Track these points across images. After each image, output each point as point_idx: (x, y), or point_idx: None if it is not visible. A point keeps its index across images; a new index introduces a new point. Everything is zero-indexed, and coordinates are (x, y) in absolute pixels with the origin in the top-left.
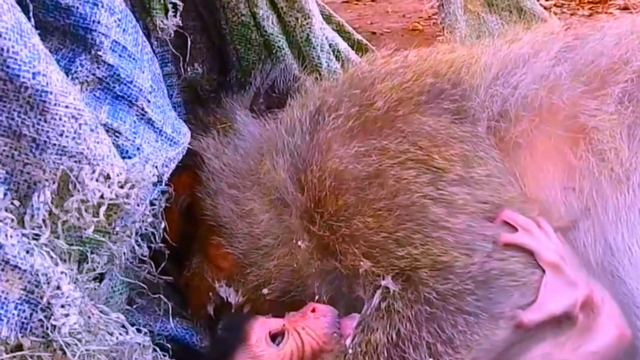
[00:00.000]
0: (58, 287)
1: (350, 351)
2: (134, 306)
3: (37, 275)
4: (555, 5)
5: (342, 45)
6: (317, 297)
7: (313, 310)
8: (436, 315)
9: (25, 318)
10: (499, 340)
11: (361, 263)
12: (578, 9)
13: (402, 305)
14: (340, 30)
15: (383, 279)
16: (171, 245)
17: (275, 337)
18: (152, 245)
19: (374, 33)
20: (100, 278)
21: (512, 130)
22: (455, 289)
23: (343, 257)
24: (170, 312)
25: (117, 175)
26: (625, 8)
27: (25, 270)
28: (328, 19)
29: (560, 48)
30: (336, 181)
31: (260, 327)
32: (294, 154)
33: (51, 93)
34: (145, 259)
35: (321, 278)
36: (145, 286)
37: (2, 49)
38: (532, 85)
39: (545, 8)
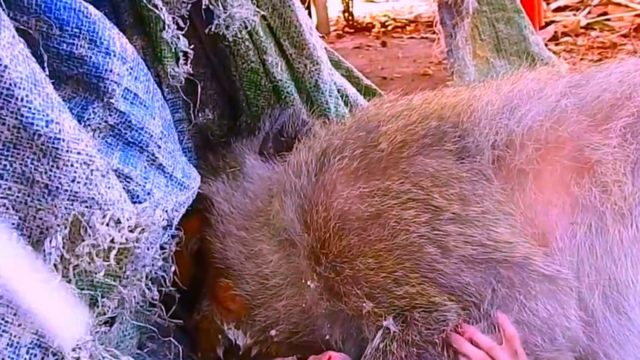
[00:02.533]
0: None
1: None
2: (145, 350)
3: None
4: (564, 50)
5: (351, 91)
6: (327, 338)
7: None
8: (422, 356)
9: None
10: None
11: (364, 304)
12: (587, 54)
13: (397, 346)
14: (349, 76)
15: (385, 320)
16: (181, 289)
17: None
18: (163, 289)
19: (384, 78)
20: (110, 322)
21: (517, 157)
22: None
23: (347, 299)
24: (181, 355)
25: (128, 220)
26: (635, 52)
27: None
28: (337, 64)
29: (566, 84)
30: (340, 222)
31: None
32: (301, 195)
33: (63, 140)
34: (155, 302)
35: (330, 319)
36: (155, 330)
37: (17, 98)
38: (537, 117)
39: (554, 52)
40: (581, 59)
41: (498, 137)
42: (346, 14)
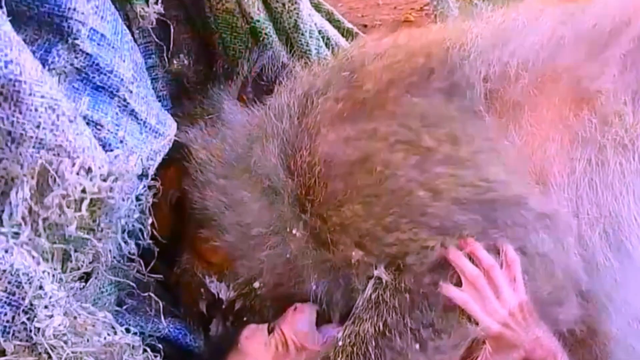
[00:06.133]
0: (40, 287)
1: (340, 343)
2: (124, 307)
3: (18, 275)
4: None
5: (332, 32)
6: (313, 289)
7: (295, 309)
8: (416, 301)
9: (7, 321)
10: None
11: (353, 253)
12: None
13: (390, 295)
14: (330, 19)
15: (375, 269)
16: (161, 243)
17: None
18: (140, 242)
19: (365, 26)
20: (86, 278)
21: (512, 89)
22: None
23: (335, 248)
24: (161, 311)
25: (99, 168)
26: None
27: (5, 270)
28: (317, 7)
29: (562, 13)
30: (325, 167)
31: (251, 329)
32: (283, 140)
33: (25, 82)
34: (133, 257)
35: (316, 270)
36: (134, 285)
37: None
38: (533, 47)
39: None
40: None
41: (490, 70)
42: None
